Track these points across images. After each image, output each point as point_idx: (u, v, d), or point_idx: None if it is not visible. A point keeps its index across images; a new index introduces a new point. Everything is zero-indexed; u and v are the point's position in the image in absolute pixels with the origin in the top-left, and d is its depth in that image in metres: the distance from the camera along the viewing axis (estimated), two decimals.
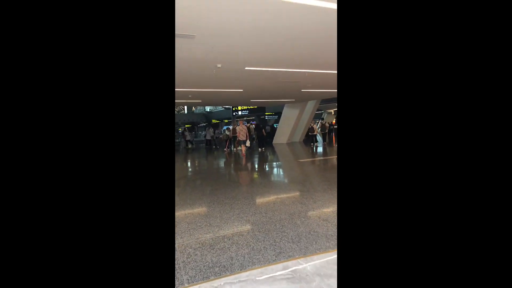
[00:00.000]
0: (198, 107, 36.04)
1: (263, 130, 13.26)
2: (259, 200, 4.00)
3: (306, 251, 2.31)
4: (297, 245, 2.44)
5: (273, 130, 17.66)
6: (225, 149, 12.70)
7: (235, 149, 12.25)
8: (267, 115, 25.77)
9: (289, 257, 2.23)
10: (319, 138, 17.02)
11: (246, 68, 5.50)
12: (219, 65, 5.12)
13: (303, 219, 3.10)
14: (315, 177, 5.56)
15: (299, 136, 15.56)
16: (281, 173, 6.56)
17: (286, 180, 5.45)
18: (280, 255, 2.28)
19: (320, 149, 10.88)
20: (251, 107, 23.61)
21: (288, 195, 4.22)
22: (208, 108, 33.80)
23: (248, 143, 10.61)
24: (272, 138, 16.33)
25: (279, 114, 25.32)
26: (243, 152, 10.47)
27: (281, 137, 15.29)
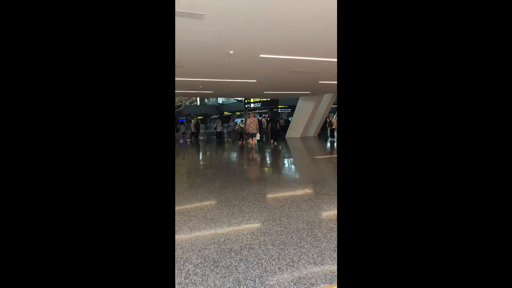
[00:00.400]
0: (211, 99, 35.91)
1: (278, 123, 12.74)
2: (272, 203, 3.55)
3: (332, 279, 1.86)
4: (321, 268, 1.99)
5: (287, 123, 17.11)
6: (239, 142, 12.41)
7: (245, 142, 11.94)
8: (280, 108, 25.15)
9: (312, 286, 1.78)
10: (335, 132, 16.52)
11: (260, 55, 5.01)
12: (231, 52, 4.64)
13: (325, 231, 2.63)
14: (335, 177, 5.05)
15: (313, 130, 14.95)
16: (296, 171, 6.08)
17: (301, 180, 4.97)
18: (299, 282, 1.83)
19: (336, 145, 10.30)
20: (263, 99, 23.05)
21: (304, 198, 3.75)
22: (220, 100, 33.56)
23: (258, 136, 10.37)
24: (285, 132, 15.82)
25: (292, 107, 24.66)
26: (253, 145, 10.18)
27: (294, 131, 14.72)
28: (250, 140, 10.26)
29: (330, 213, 3.15)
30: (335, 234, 2.55)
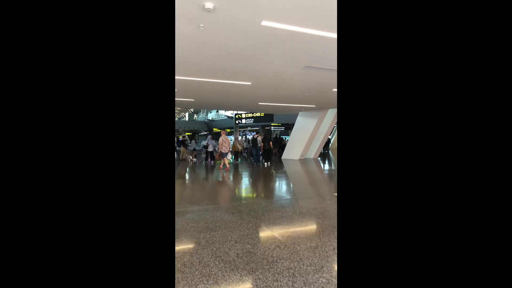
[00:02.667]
0: (200, 115, 33.95)
1: (270, 141, 10.54)
2: None
3: None
4: None
5: (277, 141, 14.83)
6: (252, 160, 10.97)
7: (256, 161, 9.98)
8: (273, 126, 23.14)
9: None
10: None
11: (263, 23, 2.89)
12: (209, 5, 2.47)
13: None
14: None
15: (314, 151, 12.82)
16: (319, 234, 3.76)
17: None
18: None
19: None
20: (256, 114, 21.02)
21: None
22: (210, 117, 31.60)
23: (229, 156, 9.06)
24: (277, 151, 13.66)
25: (286, 125, 22.68)
26: (227, 166, 8.76)
27: (293, 152, 12.50)
28: (222, 160, 8.86)
29: None
30: None
